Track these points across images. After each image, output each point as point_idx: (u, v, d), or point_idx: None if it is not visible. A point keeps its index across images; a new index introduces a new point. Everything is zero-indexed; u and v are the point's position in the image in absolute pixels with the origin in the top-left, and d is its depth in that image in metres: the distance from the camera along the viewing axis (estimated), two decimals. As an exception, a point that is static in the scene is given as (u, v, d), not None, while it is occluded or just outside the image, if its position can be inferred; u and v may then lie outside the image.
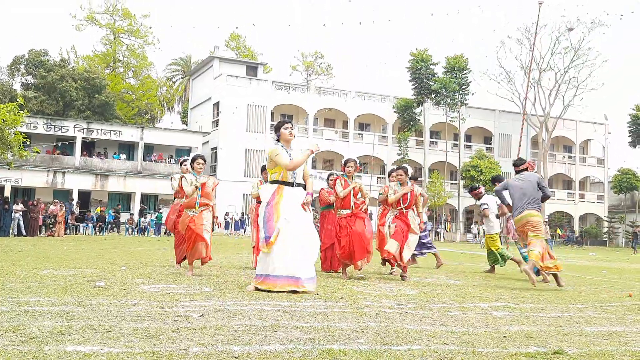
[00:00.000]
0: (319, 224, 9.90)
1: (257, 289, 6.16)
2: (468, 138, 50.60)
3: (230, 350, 3.29)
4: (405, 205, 8.63)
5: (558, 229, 48.64)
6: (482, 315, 5.14)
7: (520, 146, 24.29)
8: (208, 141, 44.03)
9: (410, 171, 9.12)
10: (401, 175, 8.77)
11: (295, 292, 6.01)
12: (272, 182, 6.49)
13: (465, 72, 45.07)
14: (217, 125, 43.57)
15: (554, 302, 6.44)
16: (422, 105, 45.40)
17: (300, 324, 4.26)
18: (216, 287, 6.50)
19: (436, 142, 49.31)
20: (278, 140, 6.68)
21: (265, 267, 6.20)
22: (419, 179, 45.30)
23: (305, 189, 6.60)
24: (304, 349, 3.40)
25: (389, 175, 9.56)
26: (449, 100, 44.64)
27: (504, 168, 46.29)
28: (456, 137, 48.28)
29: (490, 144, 50.89)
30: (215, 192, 8.56)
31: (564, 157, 54.30)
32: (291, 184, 6.45)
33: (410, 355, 3.39)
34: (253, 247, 9.13)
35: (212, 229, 8.27)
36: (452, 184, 48.60)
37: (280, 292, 6.01)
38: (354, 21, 65.50)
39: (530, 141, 49.89)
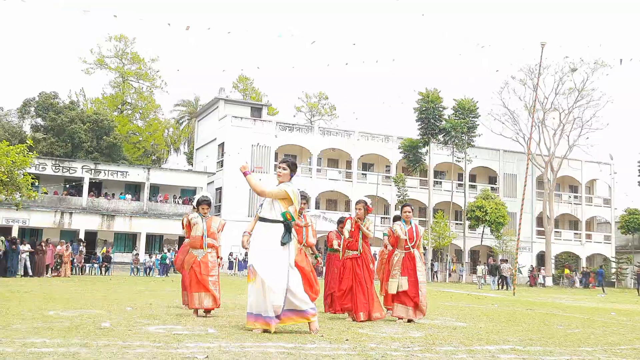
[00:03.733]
0: (323, 266, 9.88)
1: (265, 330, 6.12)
2: (473, 178, 50.66)
3: (235, 392, 3.29)
4: (412, 243, 8.49)
5: (566, 270, 48.23)
6: (490, 358, 5.11)
7: (525, 186, 24.29)
8: (213, 181, 44.25)
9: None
10: (409, 212, 8.61)
11: (266, 331, 6.03)
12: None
13: (473, 115, 45.43)
14: (221, 165, 43.85)
15: (562, 344, 6.38)
16: (427, 146, 45.62)
17: (306, 365, 4.25)
18: (221, 328, 6.49)
19: (440, 182, 49.36)
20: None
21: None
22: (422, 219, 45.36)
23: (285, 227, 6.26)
24: (309, 391, 3.40)
25: (394, 220, 9.46)
26: (456, 141, 44.88)
27: (509, 208, 46.21)
28: (461, 177, 48.36)
29: (495, 183, 50.90)
30: (221, 234, 8.59)
31: (569, 197, 54.18)
32: (263, 220, 6.31)
33: (415, 397, 3.38)
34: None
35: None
36: (457, 224, 48.44)
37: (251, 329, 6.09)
38: (357, 61, 66.57)
39: (536, 181, 49.93)
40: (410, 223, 8.63)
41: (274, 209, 6.26)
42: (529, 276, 44.87)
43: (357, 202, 8.60)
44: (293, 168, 6.44)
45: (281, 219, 6.21)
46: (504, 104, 46.94)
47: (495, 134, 48.44)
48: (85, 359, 4.13)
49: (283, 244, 6.14)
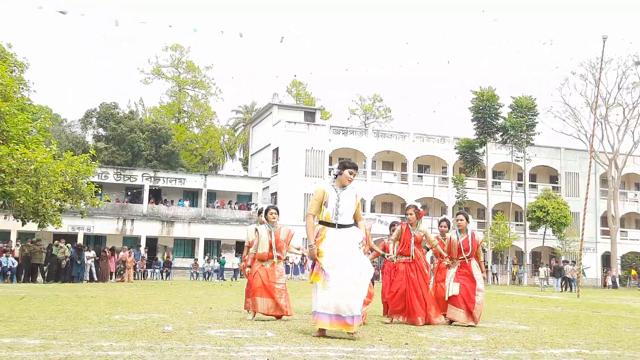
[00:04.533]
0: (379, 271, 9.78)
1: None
2: (533, 177, 49.45)
3: (296, 396, 3.31)
4: (468, 254, 8.28)
5: (633, 271, 46.46)
6: (553, 362, 4.97)
7: (588, 185, 23.51)
8: (268, 186, 44.72)
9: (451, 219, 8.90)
10: (461, 220, 8.45)
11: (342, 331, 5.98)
12: (320, 222, 6.32)
13: (532, 112, 44.39)
14: (276, 170, 44.27)
15: (631, 347, 6.15)
16: (484, 145, 44.81)
17: (365, 369, 4.23)
18: (279, 332, 6.53)
19: (499, 183, 48.38)
20: (337, 177, 6.46)
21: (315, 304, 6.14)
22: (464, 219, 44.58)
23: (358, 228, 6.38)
24: (370, 395, 3.38)
25: (439, 224, 9.27)
26: (515, 140, 43.93)
27: (572, 208, 44.90)
28: (520, 176, 47.26)
29: (557, 183, 49.52)
30: (291, 241, 8.47)
31: (635, 195, 52.18)
32: (333, 225, 6.23)
33: (478, 402, 3.32)
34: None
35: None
36: (517, 225, 47.38)
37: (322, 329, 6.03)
38: (411, 62, 66.11)
39: (599, 179, 48.33)
40: (467, 232, 8.43)
41: (350, 214, 6.32)
42: (603, 277, 43.50)
43: (408, 207, 8.44)
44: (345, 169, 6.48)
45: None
46: (564, 101, 45.67)
47: (556, 131, 47.25)
48: (150, 362, 4.23)
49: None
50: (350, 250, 6.16)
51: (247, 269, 8.28)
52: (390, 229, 9.43)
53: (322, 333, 6.10)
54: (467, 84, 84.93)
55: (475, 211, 48.04)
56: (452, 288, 8.20)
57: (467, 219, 8.52)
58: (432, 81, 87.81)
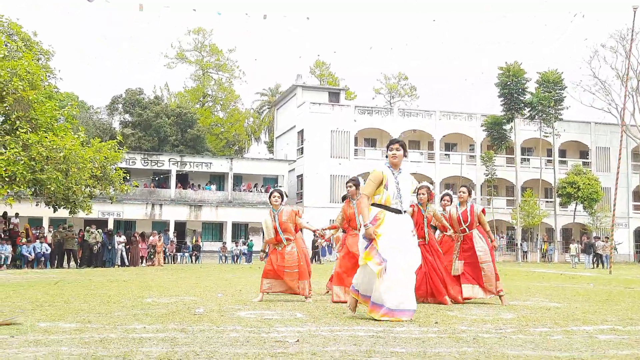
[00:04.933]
0: None
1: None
2: (562, 153, 48.67)
3: (328, 376, 3.32)
4: (467, 224, 8.29)
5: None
6: (587, 339, 4.91)
7: (619, 159, 23.04)
8: (294, 169, 44.77)
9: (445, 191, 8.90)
10: (463, 193, 8.44)
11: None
12: (373, 204, 6.08)
13: (559, 86, 43.56)
14: (301, 152, 44.26)
15: (665, 323, 6.05)
16: (512, 122, 44.15)
17: (395, 349, 4.23)
18: (309, 313, 6.57)
19: (528, 159, 47.74)
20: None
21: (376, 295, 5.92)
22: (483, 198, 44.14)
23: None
24: (402, 374, 3.38)
25: (442, 198, 9.25)
26: (543, 115, 43.20)
27: (603, 183, 44.17)
28: (550, 152, 46.55)
29: (587, 158, 48.68)
30: (299, 219, 8.46)
31: (669, 169, 51.08)
32: (395, 210, 6.01)
33: (511, 380, 3.29)
34: (332, 275, 9.16)
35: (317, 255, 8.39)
36: (547, 202, 46.80)
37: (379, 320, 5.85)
38: (436, 39, 65.09)
39: (631, 153, 47.36)
40: (466, 205, 8.40)
41: (409, 199, 6.18)
42: (635, 253, 42.87)
43: (420, 188, 8.32)
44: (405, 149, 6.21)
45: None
46: (594, 74, 44.66)
47: (586, 106, 46.30)
48: (183, 344, 4.29)
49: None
50: (407, 237, 6.03)
51: (263, 254, 8.44)
52: None
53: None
54: (494, 60, 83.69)
55: (504, 189, 47.55)
56: (458, 267, 8.19)
57: (469, 193, 8.50)
58: (458, 57, 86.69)
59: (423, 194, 8.27)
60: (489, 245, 8.30)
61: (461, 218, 8.32)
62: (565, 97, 43.89)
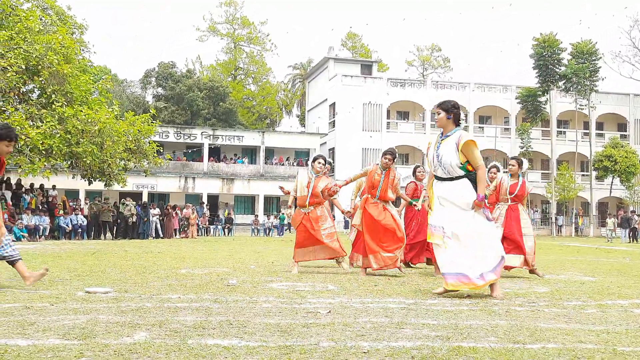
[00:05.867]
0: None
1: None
2: (600, 126, 47.58)
3: (359, 346, 3.35)
4: (513, 195, 8.26)
5: None
6: (622, 313, 4.85)
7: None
8: (325, 142, 44.71)
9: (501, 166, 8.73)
10: (512, 165, 8.43)
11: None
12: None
13: (594, 57, 42.37)
14: (333, 126, 44.12)
15: None
16: (547, 94, 43.21)
17: (427, 321, 4.24)
18: (340, 284, 6.61)
19: (564, 132, 46.81)
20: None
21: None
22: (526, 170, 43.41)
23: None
24: (433, 345, 3.39)
25: (489, 170, 9.15)
26: (578, 87, 42.16)
27: (642, 156, 43.16)
28: (586, 125, 45.53)
29: (625, 131, 47.51)
30: (336, 196, 8.55)
31: None
32: (439, 178, 5.74)
33: (545, 353, 3.28)
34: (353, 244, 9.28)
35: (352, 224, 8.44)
36: (583, 175, 45.95)
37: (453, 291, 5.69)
38: (471, 10, 63.74)
39: (671, 126, 46.10)
40: (518, 178, 8.38)
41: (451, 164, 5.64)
42: None
43: (511, 159, 8.55)
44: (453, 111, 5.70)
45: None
46: (633, 44, 43.33)
47: (625, 77, 44.99)
48: (217, 314, 4.36)
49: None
50: (451, 206, 5.61)
51: (289, 211, 8.50)
52: (414, 173, 9.43)
53: (445, 291, 5.75)
54: (529, 31, 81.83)
55: (539, 162, 46.80)
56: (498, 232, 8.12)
57: (519, 165, 8.43)
58: (493, 29, 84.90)
59: (513, 165, 8.41)
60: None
61: (507, 190, 8.31)
62: (600, 67, 42.67)
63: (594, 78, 42.46)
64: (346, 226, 37.11)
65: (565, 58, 42.84)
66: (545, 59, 42.27)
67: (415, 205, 8.83)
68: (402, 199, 8.66)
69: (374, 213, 7.80)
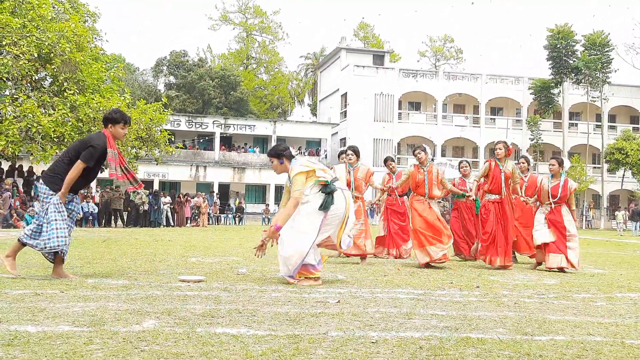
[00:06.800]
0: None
1: None
2: (612, 118, 47.15)
3: (367, 336, 3.36)
4: (556, 199, 7.95)
5: None
6: (631, 306, 4.82)
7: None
8: (337, 132, 44.63)
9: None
10: (552, 165, 8.14)
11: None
12: None
13: (607, 48, 41.90)
14: (345, 116, 44.02)
15: None
16: (560, 86, 42.83)
17: (436, 312, 4.24)
18: (350, 274, 6.62)
19: (576, 124, 46.43)
20: None
21: None
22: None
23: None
24: (441, 336, 3.39)
25: (519, 161, 9.11)
26: (590, 79, 41.72)
27: (654, 149, 42.70)
28: (599, 117, 45.14)
29: (638, 123, 47.05)
30: (371, 181, 8.53)
31: None
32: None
33: (553, 345, 3.27)
34: (377, 237, 9.28)
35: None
36: (594, 168, 45.61)
37: None
38: (484, 1, 63.27)
39: (686, 119, 45.60)
40: (560, 177, 8.06)
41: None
42: None
43: (497, 143, 8.23)
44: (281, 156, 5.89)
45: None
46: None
47: (638, 69, 44.50)
48: (226, 302, 4.38)
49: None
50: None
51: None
52: (459, 167, 9.46)
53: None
54: (543, 22, 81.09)
55: (550, 154, 46.44)
56: (545, 235, 7.87)
57: (559, 164, 8.13)
58: (505, 19, 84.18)
59: (500, 148, 8.03)
60: (575, 220, 8.10)
61: (550, 192, 7.99)
62: (612, 59, 42.20)
63: (606, 70, 42.03)
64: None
65: (579, 50, 42.42)
66: (559, 50, 41.87)
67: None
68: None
69: (420, 209, 7.82)
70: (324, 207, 5.53)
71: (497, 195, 7.96)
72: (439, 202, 8.39)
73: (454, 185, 9.27)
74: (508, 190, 7.99)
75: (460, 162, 9.77)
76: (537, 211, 8.21)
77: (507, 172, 7.96)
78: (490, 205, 7.99)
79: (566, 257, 7.78)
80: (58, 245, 5.36)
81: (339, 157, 8.38)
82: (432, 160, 8.22)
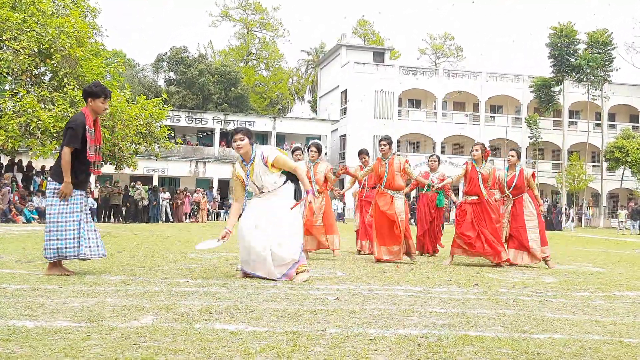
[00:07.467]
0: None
1: None
2: (612, 117, 47.13)
3: (366, 333, 3.36)
4: (510, 190, 8.17)
5: None
6: (630, 305, 4.83)
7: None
8: (337, 129, 44.59)
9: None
10: (512, 156, 8.32)
11: None
12: None
13: (609, 47, 41.84)
14: (345, 112, 43.98)
15: None
16: (561, 84, 42.79)
17: (434, 309, 4.24)
18: (349, 271, 6.62)
19: (576, 123, 46.40)
20: None
21: None
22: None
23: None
24: (439, 334, 3.39)
25: (429, 159, 9.60)
26: (592, 78, 41.67)
27: (654, 148, 42.69)
28: (598, 116, 45.13)
29: (638, 122, 47.05)
30: (329, 176, 8.53)
31: None
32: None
33: (551, 344, 3.27)
34: (356, 231, 9.41)
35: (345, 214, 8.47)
36: (594, 166, 45.61)
37: None
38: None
39: (685, 118, 45.58)
40: (515, 169, 8.28)
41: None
42: None
43: (475, 144, 8.23)
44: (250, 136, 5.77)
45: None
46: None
47: (638, 68, 44.48)
48: (225, 298, 4.38)
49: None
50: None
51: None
52: (359, 156, 9.55)
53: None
54: (543, 20, 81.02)
55: (550, 152, 46.51)
56: (507, 231, 8.19)
57: (518, 156, 8.36)
58: (506, 18, 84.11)
59: (477, 150, 8.07)
60: (537, 209, 8.22)
61: (505, 184, 8.23)
62: (614, 57, 42.16)
63: (607, 68, 42.00)
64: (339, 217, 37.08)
65: (581, 49, 42.35)
66: (561, 48, 41.81)
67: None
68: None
69: (381, 204, 7.86)
70: (299, 196, 5.82)
71: (475, 197, 8.00)
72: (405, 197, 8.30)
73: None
74: (487, 191, 8.00)
75: (430, 156, 9.96)
76: (503, 207, 8.33)
77: (484, 174, 8.01)
78: (467, 206, 8.05)
79: (529, 253, 7.99)
80: (59, 256, 5.36)
81: (292, 153, 8.35)
82: (394, 153, 8.21)
